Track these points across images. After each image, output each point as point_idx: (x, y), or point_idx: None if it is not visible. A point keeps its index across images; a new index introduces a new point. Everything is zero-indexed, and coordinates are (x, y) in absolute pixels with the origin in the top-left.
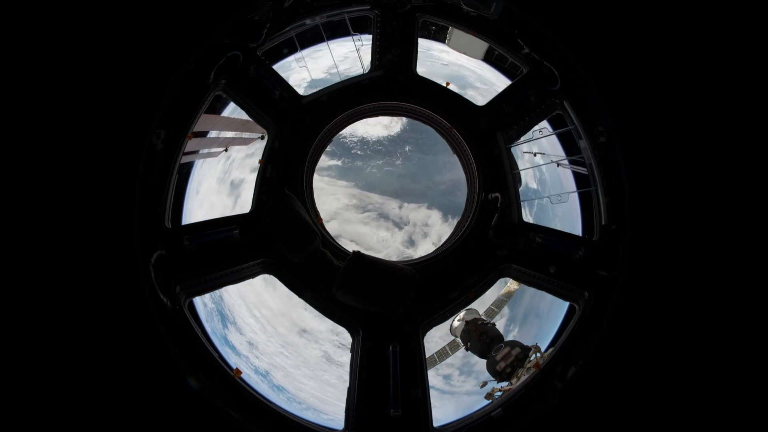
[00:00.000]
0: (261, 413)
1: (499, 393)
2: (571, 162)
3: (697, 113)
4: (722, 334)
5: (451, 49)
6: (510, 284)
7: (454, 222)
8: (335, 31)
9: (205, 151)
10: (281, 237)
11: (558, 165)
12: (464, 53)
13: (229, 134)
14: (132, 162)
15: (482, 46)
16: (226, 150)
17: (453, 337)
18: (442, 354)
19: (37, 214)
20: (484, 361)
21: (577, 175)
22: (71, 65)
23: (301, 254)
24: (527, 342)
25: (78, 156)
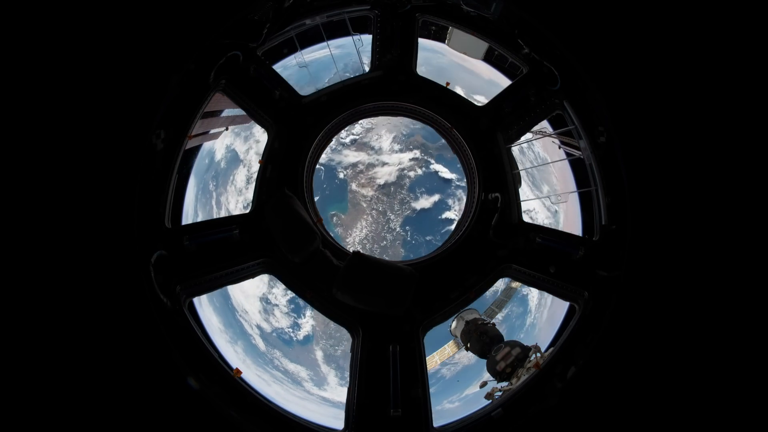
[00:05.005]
0: (261, 413)
1: (499, 393)
2: (564, 143)
3: (696, 113)
4: (722, 334)
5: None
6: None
7: None
8: (335, 31)
9: (214, 131)
10: (281, 237)
11: (559, 147)
12: (464, 53)
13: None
14: (132, 162)
15: (482, 46)
16: (227, 129)
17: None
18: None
19: (38, 214)
20: None
21: (577, 174)
22: (72, 66)
23: (302, 254)
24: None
25: (78, 156)
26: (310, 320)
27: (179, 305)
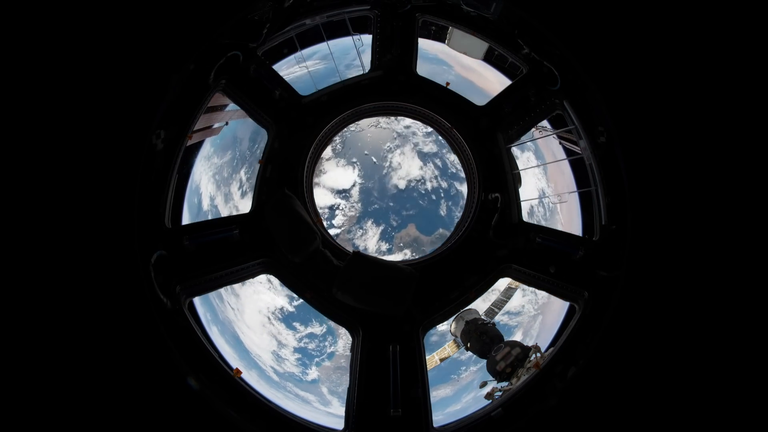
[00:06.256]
0: (261, 413)
1: (499, 393)
2: (562, 138)
3: (696, 113)
4: (722, 334)
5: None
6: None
7: None
8: (335, 31)
9: (215, 126)
10: (281, 237)
11: (560, 143)
12: (464, 53)
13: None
14: (132, 162)
15: (482, 46)
16: (227, 124)
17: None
18: None
19: (38, 214)
20: None
21: (576, 174)
22: (72, 65)
23: (302, 254)
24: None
25: (78, 156)
26: (315, 371)
27: (179, 305)
